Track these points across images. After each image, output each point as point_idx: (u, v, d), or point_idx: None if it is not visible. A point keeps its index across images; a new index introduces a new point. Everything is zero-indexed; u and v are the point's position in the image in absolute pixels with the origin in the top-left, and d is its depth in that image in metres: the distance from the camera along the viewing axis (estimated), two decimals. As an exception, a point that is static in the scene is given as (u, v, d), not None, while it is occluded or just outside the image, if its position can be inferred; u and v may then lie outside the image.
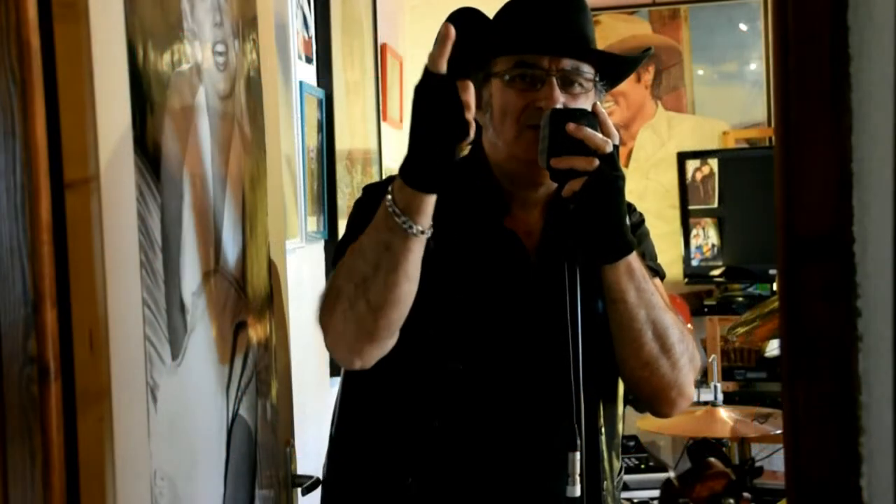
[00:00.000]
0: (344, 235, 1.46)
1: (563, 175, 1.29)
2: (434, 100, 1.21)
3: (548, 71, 1.36)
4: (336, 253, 1.44)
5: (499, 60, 1.40)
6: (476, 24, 1.42)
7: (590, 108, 1.34)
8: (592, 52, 1.42)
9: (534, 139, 1.33)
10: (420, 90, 1.22)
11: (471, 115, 1.22)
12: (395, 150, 3.53)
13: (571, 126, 1.26)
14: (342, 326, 1.32)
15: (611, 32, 4.49)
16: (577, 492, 1.27)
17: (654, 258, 1.53)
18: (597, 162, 1.26)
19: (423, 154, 1.23)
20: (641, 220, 1.54)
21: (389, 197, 1.24)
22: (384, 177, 3.10)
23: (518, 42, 1.39)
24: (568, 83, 1.37)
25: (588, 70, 1.39)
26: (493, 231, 1.43)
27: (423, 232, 1.24)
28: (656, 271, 1.48)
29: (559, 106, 1.34)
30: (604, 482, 1.42)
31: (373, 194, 1.42)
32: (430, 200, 1.24)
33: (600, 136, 1.27)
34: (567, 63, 1.37)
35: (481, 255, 1.41)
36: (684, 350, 1.39)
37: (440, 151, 1.22)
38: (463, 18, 1.41)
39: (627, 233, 1.35)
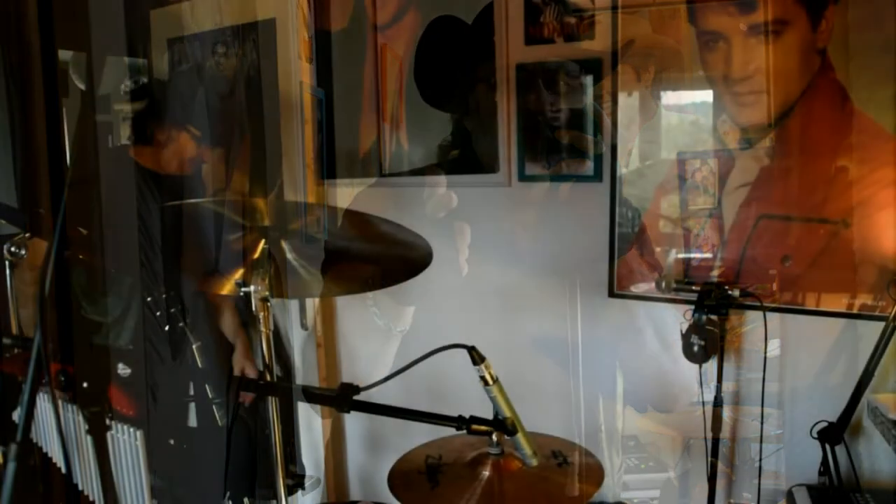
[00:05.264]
0: None
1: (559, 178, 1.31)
2: None
3: (532, 73, 1.36)
4: None
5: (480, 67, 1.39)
6: (457, 31, 1.41)
7: (580, 104, 1.36)
8: None
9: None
10: None
11: None
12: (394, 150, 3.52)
13: (560, 132, 1.28)
14: None
15: (611, 32, 4.48)
16: (576, 491, 1.27)
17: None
18: (588, 163, 1.28)
19: None
20: None
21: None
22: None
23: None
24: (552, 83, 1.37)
25: (573, 67, 1.38)
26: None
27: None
28: None
29: (548, 106, 1.34)
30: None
31: None
32: None
33: (588, 137, 1.28)
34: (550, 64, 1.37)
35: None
36: None
37: None
38: (443, 27, 1.42)
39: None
